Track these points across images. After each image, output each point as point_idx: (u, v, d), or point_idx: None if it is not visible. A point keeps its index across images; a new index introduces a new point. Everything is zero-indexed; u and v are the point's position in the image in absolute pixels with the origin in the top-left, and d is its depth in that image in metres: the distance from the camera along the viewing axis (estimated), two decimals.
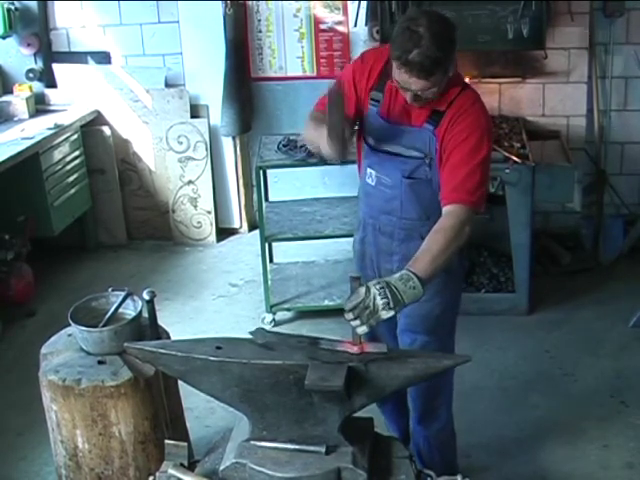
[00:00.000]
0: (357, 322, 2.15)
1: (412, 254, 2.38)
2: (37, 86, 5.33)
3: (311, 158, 4.24)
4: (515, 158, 4.20)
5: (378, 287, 2.17)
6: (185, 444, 2.32)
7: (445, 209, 2.50)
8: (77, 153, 5.15)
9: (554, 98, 4.94)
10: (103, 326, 2.94)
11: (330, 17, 5.08)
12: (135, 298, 3.04)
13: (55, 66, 5.32)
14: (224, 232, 5.56)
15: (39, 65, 5.35)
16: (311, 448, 2.19)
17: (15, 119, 5.06)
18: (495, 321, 4.34)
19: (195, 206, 5.43)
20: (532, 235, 4.34)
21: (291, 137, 4.46)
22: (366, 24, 4.90)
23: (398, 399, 3.13)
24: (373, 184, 2.75)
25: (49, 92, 5.35)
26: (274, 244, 4.72)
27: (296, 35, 5.16)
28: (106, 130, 5.30)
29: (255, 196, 4.72)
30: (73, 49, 5.32)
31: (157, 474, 2.28)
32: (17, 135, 4.73)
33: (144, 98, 5.30)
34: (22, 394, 3.67)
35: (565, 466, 3.30)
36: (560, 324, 4.35)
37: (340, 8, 5.03)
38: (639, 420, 3.55)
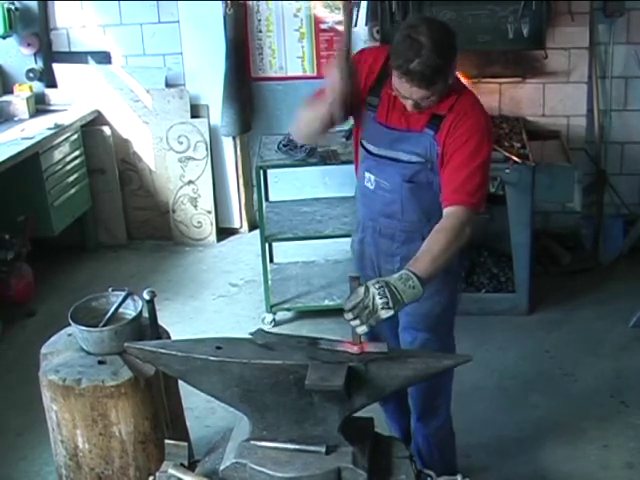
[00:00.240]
0: (357, 322, 2.16)
1: (413, 255, 2.38)
2: (37, 86, 5.33)
3: (311, 158, 4.24)
4: (515, 158, 4.20)
5: (377, 287, 2.17)
6: (185, 444, 2.32)
7: (446, 210, 2.51)
8: (77, 153, 5.15)
9: (554, 98, 4.94)
10: (103, 326, 2.94)
11: (330, 17, 5.08)
12: (135, 298, 3.04)
13: (55, 66, 5.32)
14: (224, 232, 5.56)
15: (39, 65, 5.35)
16: (311, 448, 2.19)
17: (15, 119, 5.06)
18: (495, 321, 4.34)
19: (195, 206, 5.43)
20: (532, 235, 4.34)
21: (291, 137, 4.45)
22: (366, 24, 4.90)
23: (399, 398, 3.13)
24: (372, 188, 2.74)
25: (49, 92, 5.35)
26: (274, 244, 4.72)
27: (296, 35, 5.16)
28: (106, 130, 5.30)
29: (255, 196, 4.72)
30: (73, 49, 5.32)
31: (157, 474, 2.28)
32: (17, 135, 4.73)
33: (144, 98, 5.30)
34: (22, 394, 3.67)
35: (565, 466, 3.30)
36: (560, 324, 4.35)
37: (340, 8, 5.03)
38: (639, 420, 3.55)
